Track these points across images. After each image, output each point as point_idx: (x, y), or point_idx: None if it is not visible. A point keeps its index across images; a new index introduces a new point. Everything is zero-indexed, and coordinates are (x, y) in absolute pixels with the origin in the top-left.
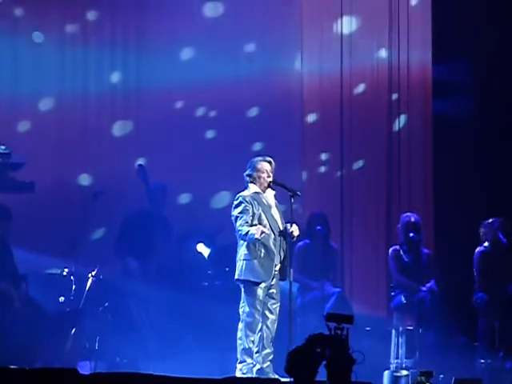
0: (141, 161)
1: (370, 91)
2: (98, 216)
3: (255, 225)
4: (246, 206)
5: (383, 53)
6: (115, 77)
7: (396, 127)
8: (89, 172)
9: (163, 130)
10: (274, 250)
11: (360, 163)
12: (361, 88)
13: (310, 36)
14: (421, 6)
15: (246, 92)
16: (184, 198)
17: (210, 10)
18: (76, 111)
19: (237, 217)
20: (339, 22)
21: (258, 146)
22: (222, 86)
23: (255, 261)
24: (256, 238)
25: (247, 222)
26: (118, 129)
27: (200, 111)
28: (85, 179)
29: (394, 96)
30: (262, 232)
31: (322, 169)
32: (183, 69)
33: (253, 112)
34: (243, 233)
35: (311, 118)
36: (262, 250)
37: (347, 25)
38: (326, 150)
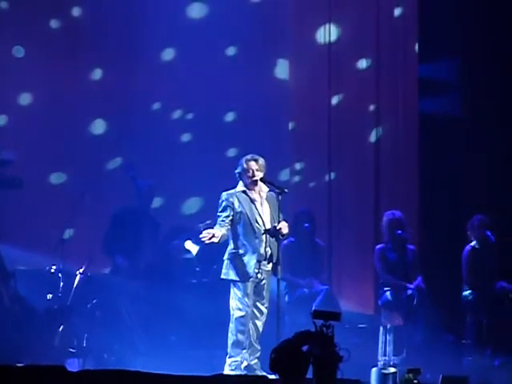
0: (117, 161)
1: (356, 96)
2: (82, 214)
3: (239, 222)
4: (226, 204)
5: (369, 58)
6: (97, 74)
7: (383, 128)
8: (63, 170)
9: (139, 130)
10: (257, 247)
11: (347, 164)
12: (346, 93)
13: (294, 43)
14: (407, 8)
15: (224, 96)
16: (155, 202)
17: (194, 11)
18: (55, 107)
19: (217, 214)
20: (324, 29)
21: (232, 152)
22: (201, 88)
23: (237, 260)
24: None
25: (223, 221)
26: (95, 127)
27: (177, 114)
28: (60, 177)
29: (381, 98)
30: (212, 236)
31: (306, 172)
32: (163, 69)
33: (229, 117)
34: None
35: (292, 124)
36: (244, 249)
37: (333, 32)
38: (312, 152)
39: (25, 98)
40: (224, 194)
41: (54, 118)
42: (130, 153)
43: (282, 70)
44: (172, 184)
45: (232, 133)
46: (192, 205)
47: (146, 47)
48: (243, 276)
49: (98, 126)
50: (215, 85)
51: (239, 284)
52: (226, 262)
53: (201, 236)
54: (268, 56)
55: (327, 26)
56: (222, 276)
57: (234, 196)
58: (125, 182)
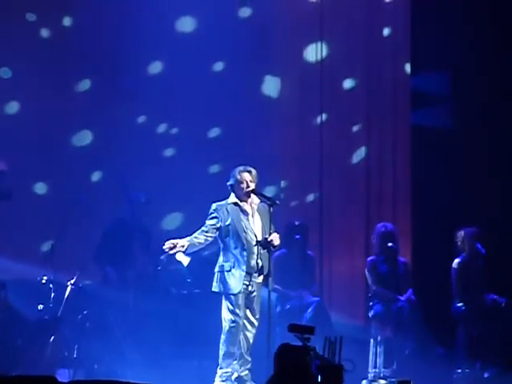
0: (102, 172)
1: (346, 112)
2: (80, 217)
3: (229, 235)
4: (214, 215)
5: (359, 76)
6: (85, 85)
7: (375, 143)
8: (50, 180)
9: (124, 143)
10: (247, 259)
11: (338, 178)
12: (337, 110)
13: (282, 60)
14: (398, 24)
15: (209, 111)
16: None
17: (183, 25)
18: (41, 117)
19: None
20: (316, 46)
21: (215, 168)
22: (187, 103)
23: (227, 273)
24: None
25: (206, 227)
26: (82, 138)
27: (161, 128)
28: (47, 187)
29: (372, 114)
30: (175, 247)
31: (295, 186)
32: (150, 82)
33: (214, 133)
34: None
35: (280, 141)
36: (234, 261)
37: (323, 49)
38: (302, 167)
39: (11, 107)
40: (214, 205)
41: (40, 128)
42: (114, 165)
43: (269, 86)
44: (153, 198)
45: (216, 149)
46: (172, 220)
47: (134, 60)
48: (233, 288)
49: (84, 137)
50: (201, 99)
51: (230, 296)
52: (216, 274)
53: (164, 247)
54: (255, 72)
55: (317, 43)
56: (213, 289)
57: (224, 208)
58: (113, 194)
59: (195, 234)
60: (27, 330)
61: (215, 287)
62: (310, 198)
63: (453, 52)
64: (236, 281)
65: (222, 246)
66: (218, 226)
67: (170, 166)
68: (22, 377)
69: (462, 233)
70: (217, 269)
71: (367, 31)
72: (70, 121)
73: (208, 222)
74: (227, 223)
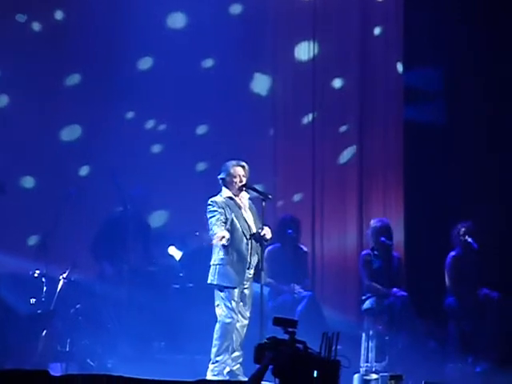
0: (86, 169)
1: (338, 110)
2: (70, 210)
3: (228, 229)
4: (220, 211)
5: (350, 74)
6: (74, 79)
7: (367, 138)
8: (33, 175)
9: (111, 139)
10: (246, 253)
11: (330, 173)
12: (329, 108)
13: (272, 57)
14: (391, 20)
15: (198, 108)
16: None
17: (174, 21)
18: (28, 111)
19: (210, 217)
20: (308, 44)
21: (201, 166)
22: (175, 99)
23: (228, 266)
24: (215, 242)
25: (219, 222)
26: (67, 133)
27: (149, 124)
28: (38, 181)
29: (365, 111)
30: (223, 237)
31: (288, 182)
32: (139, 78)
33: (201, 130)
34: (213, 232)
35: (271, 138)
36: (235, 255)
37: (315, 47)
38: (294, 164)
39: (0, 101)
40: (213, 200)
41: (29, 122)
42: (102, 160)
43: (259, 84)
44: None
45: (203, 146)
46: (158, 217)
47: (124, 55)
48: (233, 282)
49: (73, 132)
50: (190, 96)
51: (227, 290)
52: (215, 267)
53: (214, 241)
54: (245, 70)
55: (309, 42)
56: (209, 281)
57: (222, 202)
58: (101, 188)
59: (219, 229)
60: (20, 324)
61: (213, 280)
62: (302, 195)
63: (445, 49)
64: (237, 274)
65: None
66: (224, 218)
67: (157, 163)
68: (15, 371)
69: (457, 227)
70: (217, 262)
71: (360, 30)
72: (59, 115)
73: (216, 216)
74: (228, 217)
